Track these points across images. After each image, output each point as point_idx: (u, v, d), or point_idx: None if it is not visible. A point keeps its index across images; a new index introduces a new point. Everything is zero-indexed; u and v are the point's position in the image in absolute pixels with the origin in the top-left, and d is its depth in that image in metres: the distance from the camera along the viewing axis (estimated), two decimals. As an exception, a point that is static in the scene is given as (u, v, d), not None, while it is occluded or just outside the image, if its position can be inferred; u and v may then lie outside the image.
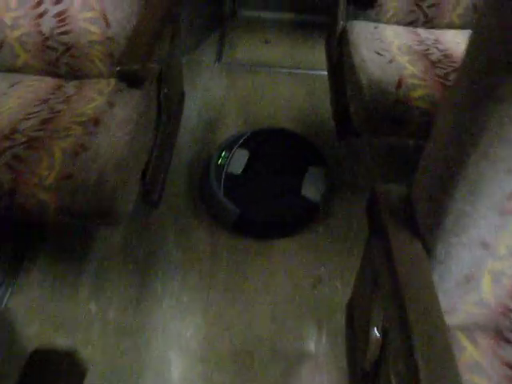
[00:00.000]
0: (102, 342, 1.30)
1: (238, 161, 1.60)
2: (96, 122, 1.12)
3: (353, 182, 1.69)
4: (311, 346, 1.31)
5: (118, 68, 1.04)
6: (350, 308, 1.03)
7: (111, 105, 1.19)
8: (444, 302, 0.79)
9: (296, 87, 2.03)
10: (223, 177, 1.55)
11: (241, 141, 1.67)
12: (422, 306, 0.71)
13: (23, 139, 1.06)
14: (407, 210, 0.80)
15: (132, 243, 1.50)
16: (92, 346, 1.29)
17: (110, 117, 1.14)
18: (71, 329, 1.32)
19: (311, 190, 1.56)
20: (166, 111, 1.30)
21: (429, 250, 0.75)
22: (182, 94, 1.53)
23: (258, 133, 1.73)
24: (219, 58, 2.17)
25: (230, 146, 1.65)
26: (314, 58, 2.14)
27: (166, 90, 1.29)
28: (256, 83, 2.05)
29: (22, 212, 1.02)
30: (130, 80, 1.08)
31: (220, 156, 1.60)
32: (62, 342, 1.30)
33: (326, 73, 1.70)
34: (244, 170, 1.58)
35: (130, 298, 1.39)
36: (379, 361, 0.89)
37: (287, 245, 1.52)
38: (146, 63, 1.07)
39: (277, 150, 1.68)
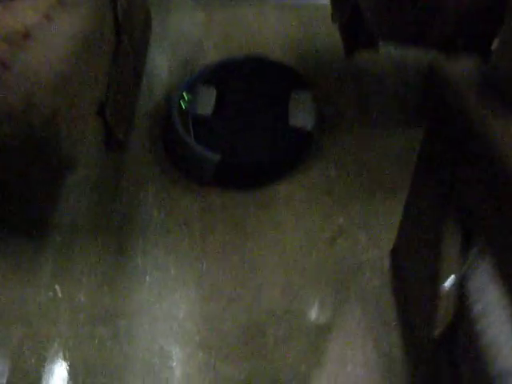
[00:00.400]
0: (73, 335, 1.02)
1: (205, 100, 1.30)
2: (26, 36, 0.82)
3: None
4: (335, 316, 1.04)
5: None
6: (396, 256, 0.75)
7: (49, 18, 0.89)
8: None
9: (286, 19, 1.72)
10: (190, 122, 1.24)
11: (204, 76, 1.36)
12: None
13: None
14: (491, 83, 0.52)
15: (102, 208, 1.21)
16: (60, 339, 1.02)
17: (46, 31, 0.85)
18: (32, 320, 1.04)
19: (300, 117, 1.29)
20: (128, 33, 1.00)
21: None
22: (147, 14, 1.22)
23: (224, 64, 1.43)
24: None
25: (192, 84, 1.34)
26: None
27: (124, 4, 0.98)
28: (238, 17, 1.74)
29: None
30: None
31: (182, 98, 1.28)
32: (19, 339, 1.01)
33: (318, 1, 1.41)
34: (215, 110, 1.29)
35: (103, 277, 1.11)
36: (453, 324, 0.61)
37: (291, 190, 1.24)
38: None
39: (250, 80, 1.39)
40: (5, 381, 0.95)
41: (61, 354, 1.00)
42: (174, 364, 0.99)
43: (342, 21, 1.18)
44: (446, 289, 0.59)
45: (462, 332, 0.59)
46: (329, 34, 1.52)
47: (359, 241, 1.14)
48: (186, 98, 1.28)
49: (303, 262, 1.11)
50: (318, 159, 1.29)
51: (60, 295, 1.08)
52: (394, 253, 0.75)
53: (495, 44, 0.59)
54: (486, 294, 0.54)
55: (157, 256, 1.13)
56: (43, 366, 0.98)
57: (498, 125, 0.46)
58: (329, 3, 1.33)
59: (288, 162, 1.27)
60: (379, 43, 1.13)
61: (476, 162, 0.49)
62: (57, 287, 1.09)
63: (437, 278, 0.59)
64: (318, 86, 1.42)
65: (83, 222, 1.19)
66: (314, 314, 1.05)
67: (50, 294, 1.08)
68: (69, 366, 0.99)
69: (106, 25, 0.97)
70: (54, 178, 0.89)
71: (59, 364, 0.99)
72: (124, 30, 1.00)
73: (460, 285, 0.59)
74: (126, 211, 1.21)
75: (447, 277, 0.59)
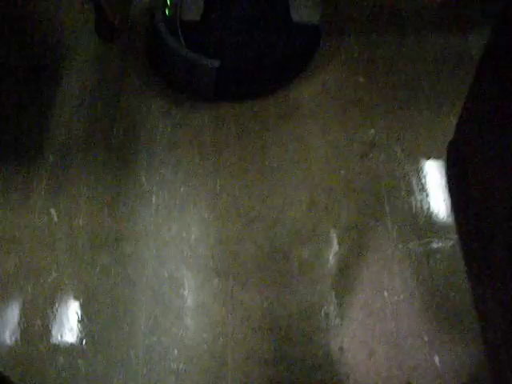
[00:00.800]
0: (71, 262, 0.91)
1: (192, 3, 1.11)
2: None
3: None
4: (369, 239, 0.91)
5: None
6: (457, 151, 0.61)
7: None
8: None
9: None
10: (179, 29, 1.07)
11: None
12: None
13: None
14: None
15: (101, 121, 1.07)
16: (57, 267, 0.91)
17: None
18: (26, 246, 0.92)
19: (304, 11, 1.12)
20: None
21: None
22: None
23: None
24: None
25: None
26: None
27: None
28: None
29: None
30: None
31: (165, 4, 1.10)
32: (12, 267, 0.90)
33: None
34: (204, 14, 1.11)
35: (103, 198, 0.99)
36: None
37: (312, 96, 1.09)
38: None
39: None
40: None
41: (59, 283, 0.89)
42: (186, 292, 0.88)
43: None
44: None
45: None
46: None
47: (395, 154, 1.00)
48: (169, 2, 1.10)
49: (330, 180, 0.98)
50: (332, 59, 1.13)
51: (56, 219, 0.96)
52: (454, 148, 0.62)
53: None
54: None
55: (164, 173, 1.00)
56: (40, 296, 0.87)
57: None
58: None
59: (298, 62, 1.12)
60: None
61: None
62: (52, 211, 0.97)
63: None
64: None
65: (79, 137, 1.05)
66: (343, 236, 0.92)
67: (45, 218, 0.96)
68: (69, 295, 0.88)
69: None
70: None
71: (58, 294, 0.88)
72: None
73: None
74: (127, 124, 1.06)
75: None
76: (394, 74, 1.13)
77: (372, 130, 1.03)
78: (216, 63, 1.03)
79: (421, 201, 0.94)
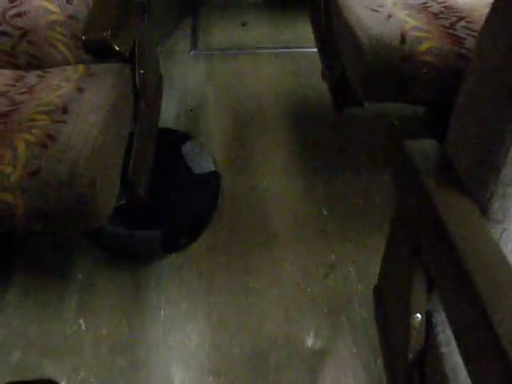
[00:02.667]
0: (96, 364, 1.15)
1: None
2: (64, 109, 0.97)
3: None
4: (330, 343, 1.17)
5: (84, 37, 0.89)
6: (379, 292, 0.90)
7: (81, 91, 1.04)
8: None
9: (279, 68, 1.89)
10: None
11: None
12: (491, 270, 0.57)
13: (-21, 137, 0.90)
14: (447, 165, 0.67)
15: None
16: (85, 368, 1.14)
17: (79, 103, 0.99)
18: (59, 352, 1.17)
19: (200, 163, 1.43)
20: (144, 96, 1.15)
21: (482, 208, 0.62)
22: (160, 78, 1.38)
23: None
24: (194, 45, 2.03)
25: None
26: (295, 35, 2.01)
27: (141, 72, 1.14)
28: (236, 68, 1.91)
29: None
30: (99, 51, 0.93)
31: None
32: (49, 368, 1.14)
33: (310, 49, 1.58)
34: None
35: (122, 312, 1.23)
36: (424, 348, 0.75)
37: (287, 226, 1.38)
38: (115, 31, 0.92)
39: None
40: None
41: (87, 382, 1.12)
42: (187, 389, 1.12)
43: (332, 80, 1.34)
44: (417, 321, 0.73)
45: (430, 357, 0.73)
46: (318, 82, 1.69)
47: (349, 274, 1.29)
48: None
49: (300, 295, 1.25)
50: (302, 196, 1.45)
51: (84, 328, 1.21)
52: (377, 290, 0.89)
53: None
54: (447, 326, 0.68)
55: (169, 292, 1.27)
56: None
57: (441, 200, 0.61)
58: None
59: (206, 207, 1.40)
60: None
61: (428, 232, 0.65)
62: (81, 321, 1.22)
63: (409, 313, 0.74)
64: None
65: (102, 262, 1.33)
66: (310, 341, 1.17)
67: (75, 327, 1.21)
68: (93, 392, 1.11)
69: (128, 93, 1.12)
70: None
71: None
72: (141, 95, 1.16)
73: (427, 319, 0.73)
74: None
75: (417, 312, 0.73)
76: (351, 207, 1.44)
77: (333, 255, 1.33)
78: (158, 234, 1.27)
79: (368, 316, 1.21)
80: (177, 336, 1.19)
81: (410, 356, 0.75)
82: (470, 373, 0.57)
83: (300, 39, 1.97)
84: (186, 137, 1.54)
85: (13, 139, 0.89)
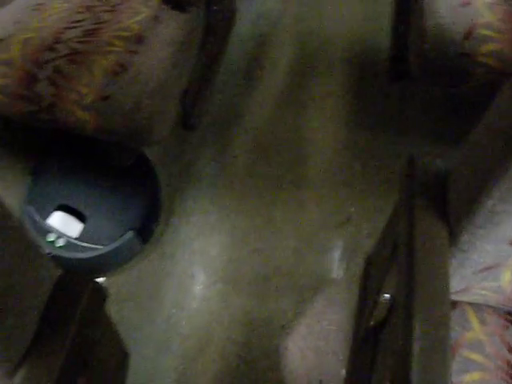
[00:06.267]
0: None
1: None
2: (139, 38, 1.09)
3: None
4: (327, 283, 1.35)
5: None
6: (369, 263, 1.05)
7: (157, 20, 1.14)
8: (459, 283, 0.79)
9: (360, 7, 1.87)
10: None
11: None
12: (431, 282, 0.71)
13: (65, 51, 1.05)
14: (441, 190, 0.77)
15: (166, 159, 1.51)
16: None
17: (154, 34, 1.11)
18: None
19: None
20: (213, 31, 1.25)
21: (452, 236, 0.74)
22: (233, 10, 1.45)
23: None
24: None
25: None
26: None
27: (214, 8, 1.22)
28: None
29: (62, 126, 1.04)
30: (175, 4, 1.02)
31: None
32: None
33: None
34: None
35: (162, 212, 1.44)
36: (383, 323, 0.92)
37: (321, 177, 1.51)
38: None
39: None
40: None
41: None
42: (200, 287, 1.34)
43: (394, 47, 1.36)
44: (383, 299, 0.88)
45: (386, 329, 0.90)
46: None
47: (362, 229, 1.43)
48: None
49: (312, 235, 1.42)
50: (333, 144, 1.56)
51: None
52: (368, 261, 1.04)
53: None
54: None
55: (203, 203, 1.45)
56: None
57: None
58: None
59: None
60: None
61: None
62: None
63: (380, 291, 0.89)
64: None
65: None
66: (311, 276, 1.36)
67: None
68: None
69: (199, 27, 1.22)
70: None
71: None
72: (211, 31, 1.25)
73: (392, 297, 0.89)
74: (185, 164, 1.51)
75: (386, 292, 0.88)
76: (385, 171, 1.50)
77: (352, 209, 1.45)
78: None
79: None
80: (201, 243, 1.39)
81: (371, 323, 0.91)
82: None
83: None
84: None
85: (92, 61, 1.04)
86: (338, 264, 1.37)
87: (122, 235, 1.27)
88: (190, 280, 1.34)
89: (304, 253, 1.38)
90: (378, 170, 1.51)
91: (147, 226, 1.33)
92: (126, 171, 1.34)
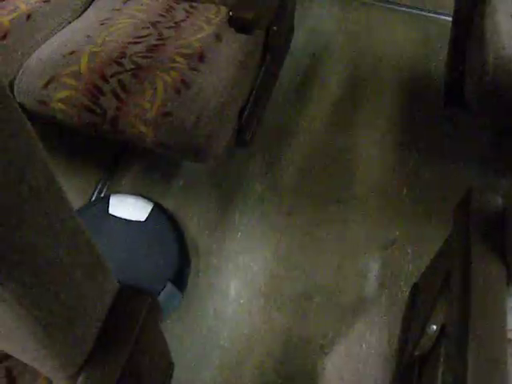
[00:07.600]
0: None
1: None
2: (201, 57, 1.13)
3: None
4: (368, 304, 1.34)
5: (231, 13, 1.01)
6: (416, 290, 1.04)
7: (218, 38, 1.18)
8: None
9: (412, 30, 1.88)
10: None
11: None
12: (488, 318, 0.70)
13: (130, 66, 1.10)
14: (498, 225, 0.77)
15: (217, 173, 1.55)
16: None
17: (215, 53, 1.14)
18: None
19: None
20: (272, 50, 1.27)
21: (510, 273, 0.73)
22: (291, 30, 1.47)
23: None
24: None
25: None
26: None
27: (274, 28, 1.25)
28: (369, 19, 1.92)
29: (123, 137, 1.08)
30: (240, 28, 1.05)
31: None
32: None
33: (450, 19, 1.55)
34: None
35: (208, 221, 1.47)
36: (428, 355, 0.91)
37: (368, 198, 1.51)
38: (260, 10, 1.03)
39: None
40: None
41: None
42: (242, 301, 1.36)
43: (451, 74, 1.35)
44: (431, 330, 0.88)
45: (432, 360, 0.89)
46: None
47: (407, 253, 1.42)
48: None
49: (357, 255, 1.41)
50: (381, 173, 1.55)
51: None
52: (415, 288, 1.03)
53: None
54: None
55: (250, 218, 1.47)
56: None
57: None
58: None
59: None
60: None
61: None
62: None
63: (427, 321, 0.88)
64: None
65: (199, 179, 1.54)
66: (353, 296, 1.36)
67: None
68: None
69: (258, 46, 1.24)
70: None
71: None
72: (270, 50, 1.27)
73: (440, 329, 0.88)
74: (235, 179, 1.54)
75: (434, 323, 0.88)
76: (433, 197, 1.50)
77: (397, 232, 1.45)
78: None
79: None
80: (245, 258, 1.41)
81: (416, 353, 0.91)
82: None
83: (443, 3, 1.90)
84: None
85: (155, 77, 1.08)
86: (379, 286, 1.36)
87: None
88: (233, 293, 1.36)
89: (346, 273, 1.39)
90: (425, 194, 1.50)
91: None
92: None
